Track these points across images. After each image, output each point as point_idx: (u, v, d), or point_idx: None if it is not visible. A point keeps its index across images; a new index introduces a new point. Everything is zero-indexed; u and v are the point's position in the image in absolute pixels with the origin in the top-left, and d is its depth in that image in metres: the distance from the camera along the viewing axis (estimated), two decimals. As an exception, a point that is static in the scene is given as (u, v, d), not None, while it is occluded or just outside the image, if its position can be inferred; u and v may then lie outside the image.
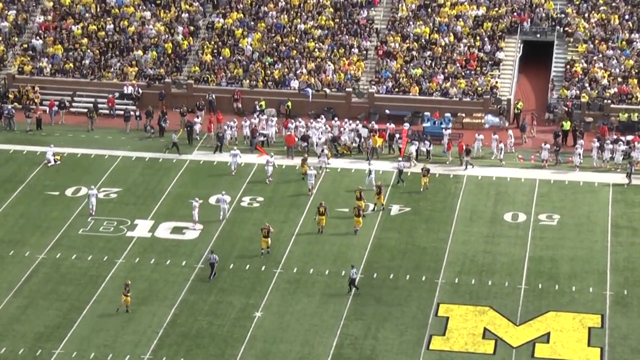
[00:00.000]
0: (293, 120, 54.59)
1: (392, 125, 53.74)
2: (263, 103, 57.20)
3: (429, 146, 52.15)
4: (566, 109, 55.60)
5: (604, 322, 38.19)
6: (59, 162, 51.56)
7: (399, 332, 37.80)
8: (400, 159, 50.74)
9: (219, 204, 46.18)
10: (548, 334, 37.56)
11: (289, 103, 57.15)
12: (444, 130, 53.19)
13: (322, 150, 51.30)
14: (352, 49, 60.40)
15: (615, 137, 52.74)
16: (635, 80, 56.89)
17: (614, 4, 60.97)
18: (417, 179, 49.01)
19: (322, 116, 55.52)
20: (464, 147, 50.87)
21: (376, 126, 53.72)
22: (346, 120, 54.99)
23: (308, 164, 49.39)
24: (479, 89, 57.44)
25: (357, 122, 54.96)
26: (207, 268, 41.61)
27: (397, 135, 53.02)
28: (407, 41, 60.70)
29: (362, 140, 52.88)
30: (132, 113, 56.60)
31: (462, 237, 44.55)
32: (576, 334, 37.58)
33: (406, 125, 54.09)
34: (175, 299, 39.95)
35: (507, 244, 44.03)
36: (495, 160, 51.59)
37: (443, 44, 60.25)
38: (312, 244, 43.90)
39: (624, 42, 59.51)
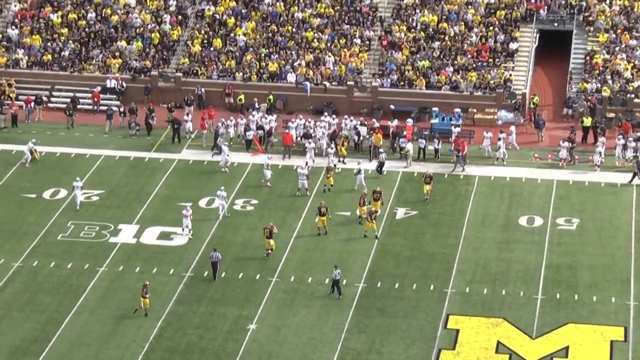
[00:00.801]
0: (294, 119, 54.44)
1: (395, 123, 53.61)
2: (242, 97, 57.13)
3: (438, 144, 52.05)
4: (589, 105, 55.51)
5: (628, 335, 38.14)
6: (34, 160, 51.43)
7: (405, 345, 37.76)
8: (380, 150, 50.76)
9: (217, 201, 46.27)
10: (567, 348, 37.53)
11: (270, 97, 57.07)
12: (453, 127, 53.04)
13: (328, 148, 50.99)
14: (354, 39, 60.38)
15: (638, 134, 52.63)
16: (661, 73, 57.00)
17: (637, -10, 61.04)
18: (421, 183, 48.86)
19: (326, 113, 55.40)
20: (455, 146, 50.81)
21: (377, 124, 53.55)
22: (346, 116, 54.89)
23: (302, 165, 49.28)
24: (492, 82, 57.43)
25: (361, 118, 54.87)
26: (208, 268, 41.66)
27: (403, 133, 52.81)
28: (414, 31, 60.69)
29: (361, 138, 52.67)
30: (115, 109, 56.54)
31: (473, 243, 44.51)
32: (597, 348, 37.55)
33: (409, 122, 53.98)
34: (162, 311, 39.88)
35: (522, 250, 43.99)
36: (507, 160, 51.52)
37: (452, 33, 60.24)
38: (311, 250, 43.85)
39: (648, 32, 59.58)
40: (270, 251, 43.10)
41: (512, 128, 53.12)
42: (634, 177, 49.20)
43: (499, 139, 51.47)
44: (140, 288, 39.48)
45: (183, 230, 44.81)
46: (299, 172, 48.27)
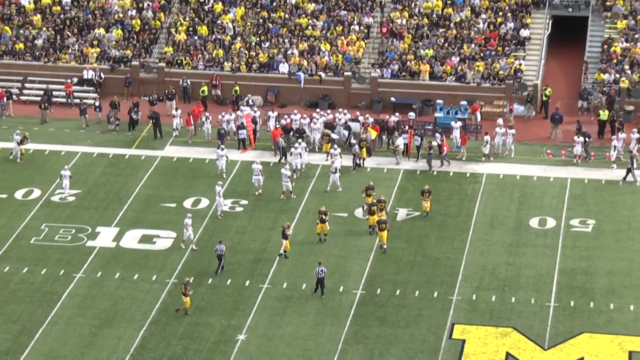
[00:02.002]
0: (288, 116, 54.44)
1: (393, 118, 53.66)
2: (205, 89, 57.25)
3: (441, 140, 52.13)
4: (606, 97, 55.70)
5: (647, 346, 38.45)
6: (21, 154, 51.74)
7: (407, 357, 37.95)
8: (353, 140, 50.73)
9: (216, 198, 46.54)
10: (581, 359, 37.71)
11: (237, 87, 57.09)
12: (454, 122, 53.00)
13: (331, 149, 50.61)
14: (352, 26, 60.56)
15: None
16: (684, 62, 57.23)
17: (659, -28, 61.28)
18: (424, 181, 49.08)
19: (318, 109, 55.45)
20: (429, 143, 50.99)
21: (371, 119, 53.54)
22: (340, 110, 54.92)
23: (285, 162, 49.28)
24: (501, 72, 57.63)
25: (356, 113, 54.92)
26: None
27: (405, 128, 52.91)
28: (416, 17, 60.87)
29: (352, 135, 52.51)
30: (90, 102, 56.61)
31: (480, 247, 44.71)
32: (615, 359, 37.72)
33: (411, 115, 54.10)
34: (145, 320, 40.04)
35: (534, 254, 44.19)
36: (516, 157, 51.84)
37: (458, 20, 60.43)
38: (305, 254, 44.02)
39: (670, 18, 59.82)
40: (284, 253, 43.34)
41: (500, 120, 53.11)
42: (627, 173, 49.42)
43: (486, 134, 51.70)
44: (182, 285, 39.92)
45: (192, 242, 44.41)
46: (283, 173, 48.29)
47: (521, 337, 38.83)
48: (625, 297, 41.10)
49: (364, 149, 51.06)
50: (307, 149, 51.17)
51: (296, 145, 50.73)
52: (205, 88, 57.39)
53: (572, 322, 39.67)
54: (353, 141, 51.35)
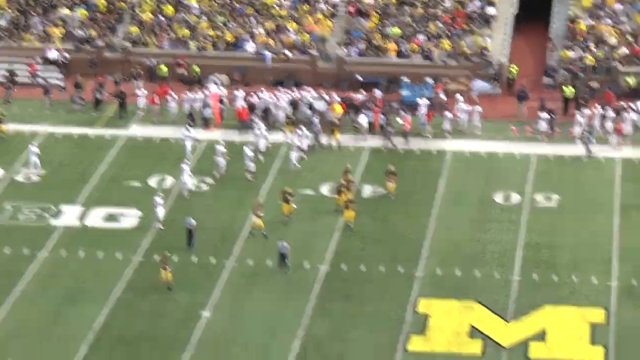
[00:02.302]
0: (254, 93, 54.40)
1: (359, 96, 53.81)
2: (163, 67, 57.05)
3: (403, 118, 52.24)
4: (571, 74, 56.12)
5: (609, 317, 38.82)
6: None
7: (371, 332, 38.25)
8: (315, 117, 50.96)
9: (181, 178, 46.67)
10: (544, 331, 38.18)
11: (195, 67, 56.74)
12: (419, 99, 53.25)
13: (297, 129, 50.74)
14: (318, 5, 60.62)
15: (623, 104, 53.27)
16: (648, 39, 57.70)
17: (623, -52, 61.63)
18: (390, 159, 49.26)
19: (280, 87, 55.39)
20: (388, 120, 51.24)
21: (337, 97, 53.57)
22: (306, 88, 54.91)
23: (252, 146, 49.33)
24: (467, 50, 57.90)
25: (320, 90, 54.93)
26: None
27: (371, 105, 53.14)
28: (383, -5, 61.09)
29: (315, 114, 52.51)
30: (55, 82, 56.43)
31: (445, 223, 45.06)
32: (577, 330, 38.18)
33: (377, 93, 54.26)
34: (110, 298, 40.15)
35: (498, 229, 44.58)
36: (482, 134, 52.19)
37: (424, -2, 60.69)
38: (271, 232, 44.19)
39: (635, -5, 60.26)
40: (260, 231, 43.59)
41: (459, 97, 53.38)
42: (587, 149, 49.88)
43: (447, 110, 52.06)
44: (160, 261, 40.17)
45: (159, 222, 44.53)
46: (245, 152, 48.32)
47: (485, 310, 39.22)
48: (588, 270, 41.55)
49: (336, 132, 51.10)
50: (267, 129, 51.14)
51: (258, 126, 50.78)
52: (163, 67, 57.25)
53: (535, 295, 40.07)
54: (314, 119, 51.45)
